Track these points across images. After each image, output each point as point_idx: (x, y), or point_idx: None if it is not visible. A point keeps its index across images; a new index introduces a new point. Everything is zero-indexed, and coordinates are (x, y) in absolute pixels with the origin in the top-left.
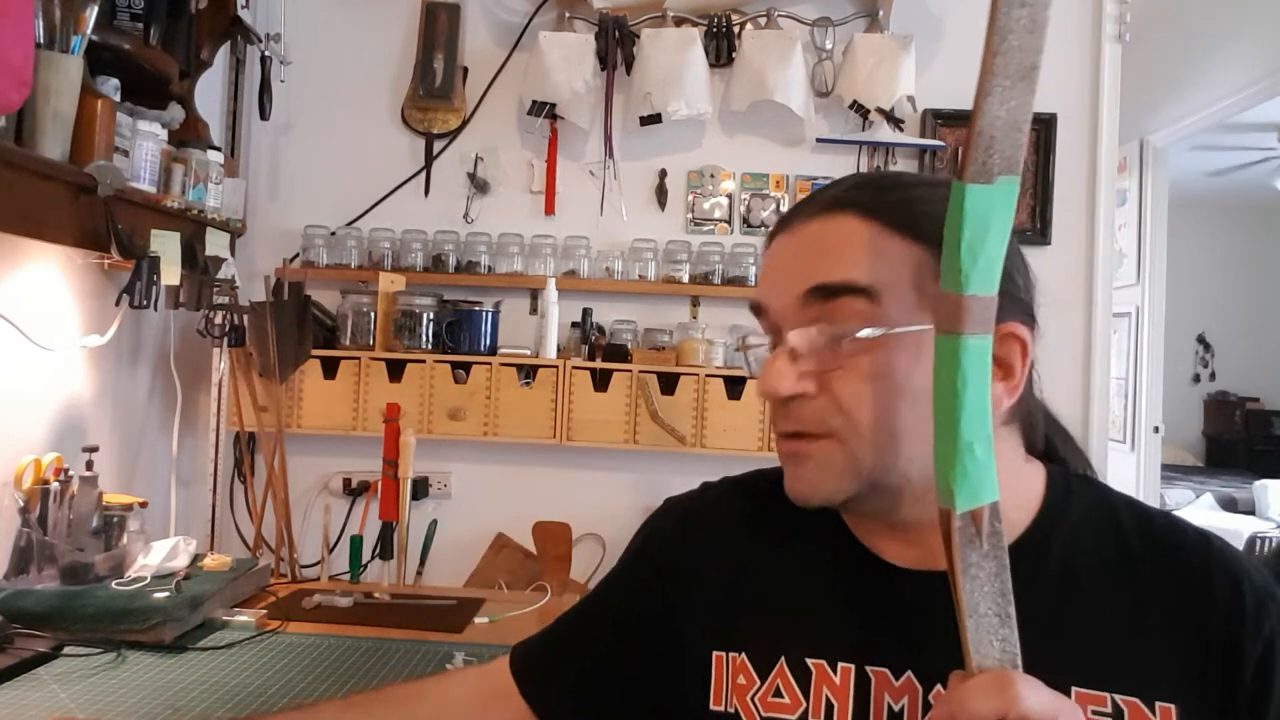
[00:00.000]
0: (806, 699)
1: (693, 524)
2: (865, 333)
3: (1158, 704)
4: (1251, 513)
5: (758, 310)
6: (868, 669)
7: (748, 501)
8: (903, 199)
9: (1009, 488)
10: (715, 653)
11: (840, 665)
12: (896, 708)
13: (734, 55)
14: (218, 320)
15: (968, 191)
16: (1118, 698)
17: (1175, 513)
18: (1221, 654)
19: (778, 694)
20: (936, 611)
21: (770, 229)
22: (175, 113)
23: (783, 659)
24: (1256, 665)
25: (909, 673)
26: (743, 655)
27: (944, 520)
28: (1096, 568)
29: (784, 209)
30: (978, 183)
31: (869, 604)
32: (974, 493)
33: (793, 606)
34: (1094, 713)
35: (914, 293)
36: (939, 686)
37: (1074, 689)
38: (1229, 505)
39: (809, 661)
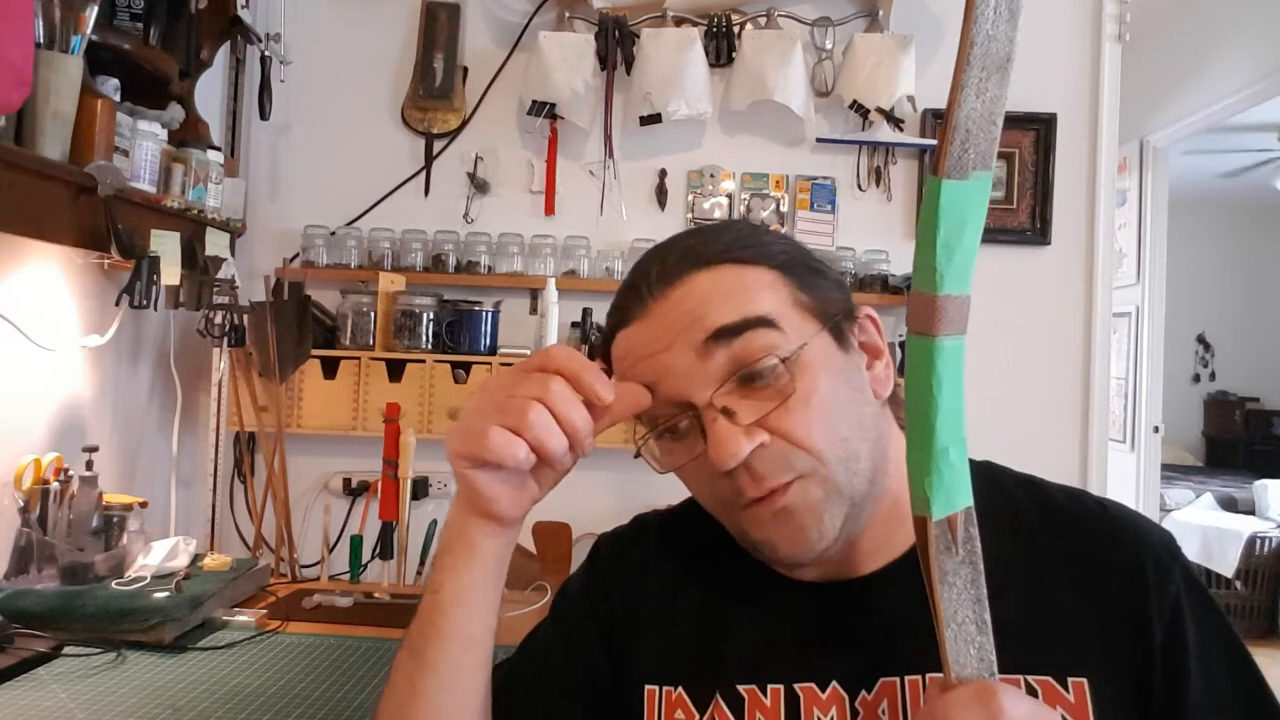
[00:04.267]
0: None
1: (628, 560)
2: (792, 352)
3: (1070, 680)
4: (1251, 513)
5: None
6: (795, 687)
7: (678, 534)
8: (730, 240)
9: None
10: (649, 687)
11: (770, 688)
12: None
13: (734, 55)
14: (218, 320)
15: (943, 187)
16: (1030, 679)
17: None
18: (1129, 621)
19: None
20: (847, 619)
21: (606, 329)
22: (175, 113)
23: (718, 691)
24: (1166, 628)
25: (833, 683)
26: (679, 690)
27: (919, 528)
28: (996, 549)
29: (784, 209)
30: (953, 178)
31: (788, 623)
32: (949, 499)
33: (724, 635)
34: None
35: (795, 309)
36: (864, 692)
37: None
38: (1229, 505)
39: (740, 689)
